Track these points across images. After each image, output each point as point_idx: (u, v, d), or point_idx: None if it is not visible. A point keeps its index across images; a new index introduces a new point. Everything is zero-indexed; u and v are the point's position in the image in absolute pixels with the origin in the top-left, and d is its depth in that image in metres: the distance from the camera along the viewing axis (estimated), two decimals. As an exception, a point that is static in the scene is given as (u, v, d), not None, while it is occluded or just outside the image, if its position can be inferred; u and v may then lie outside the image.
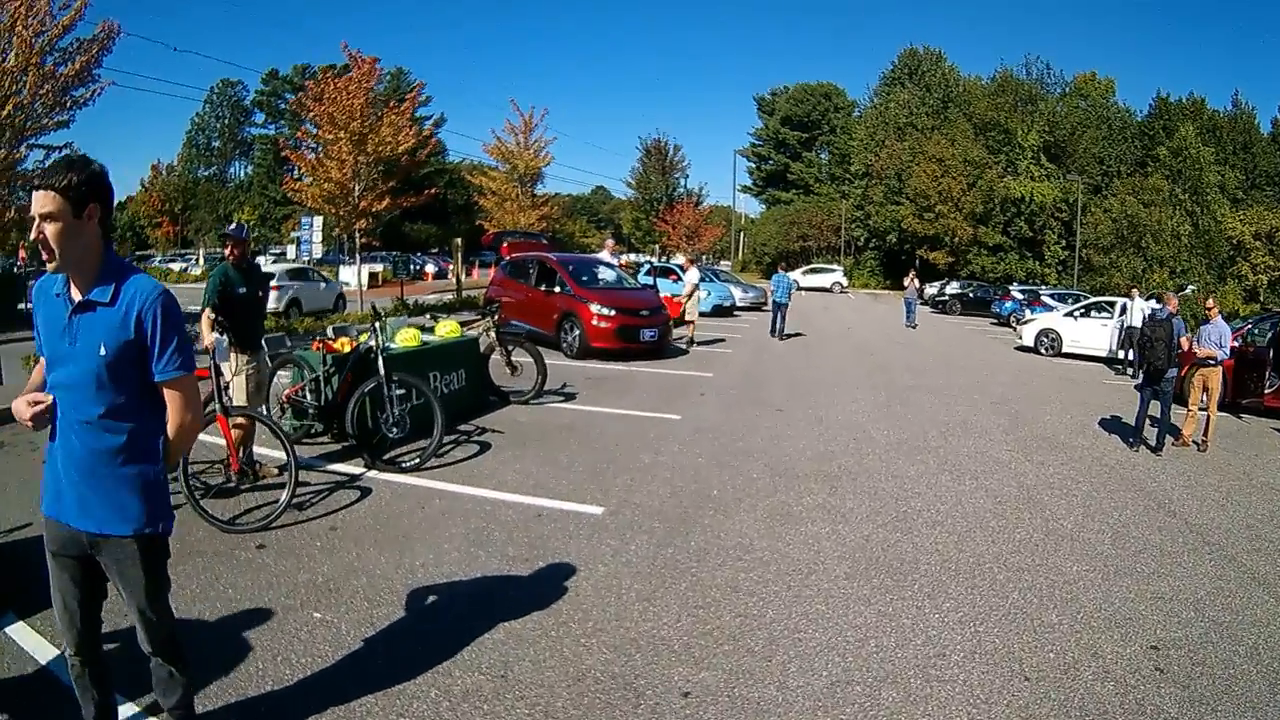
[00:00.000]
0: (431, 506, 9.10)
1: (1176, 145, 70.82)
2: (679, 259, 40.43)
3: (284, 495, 8.55)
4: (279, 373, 12.50)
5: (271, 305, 26.41)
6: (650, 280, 28.37)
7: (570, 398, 15.78)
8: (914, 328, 38.29)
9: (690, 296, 26.03)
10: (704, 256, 78.42)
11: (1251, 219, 61.67)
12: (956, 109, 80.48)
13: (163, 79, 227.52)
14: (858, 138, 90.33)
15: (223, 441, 8.98)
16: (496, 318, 15.45)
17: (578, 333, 21.21)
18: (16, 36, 17.67)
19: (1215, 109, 78.41)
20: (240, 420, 9.50)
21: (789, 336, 30.85)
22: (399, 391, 10.95)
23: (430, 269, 65.39)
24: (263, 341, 11.11)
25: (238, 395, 9.78)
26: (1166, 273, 59.55)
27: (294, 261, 49.91)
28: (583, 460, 11.14)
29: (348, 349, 11.83)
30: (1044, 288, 52.12)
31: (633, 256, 57.70)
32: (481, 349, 14.82)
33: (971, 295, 54.68)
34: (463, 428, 12.97)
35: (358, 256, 32.91)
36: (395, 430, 10.80)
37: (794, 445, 12.52)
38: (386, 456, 10.85)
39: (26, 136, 18.73)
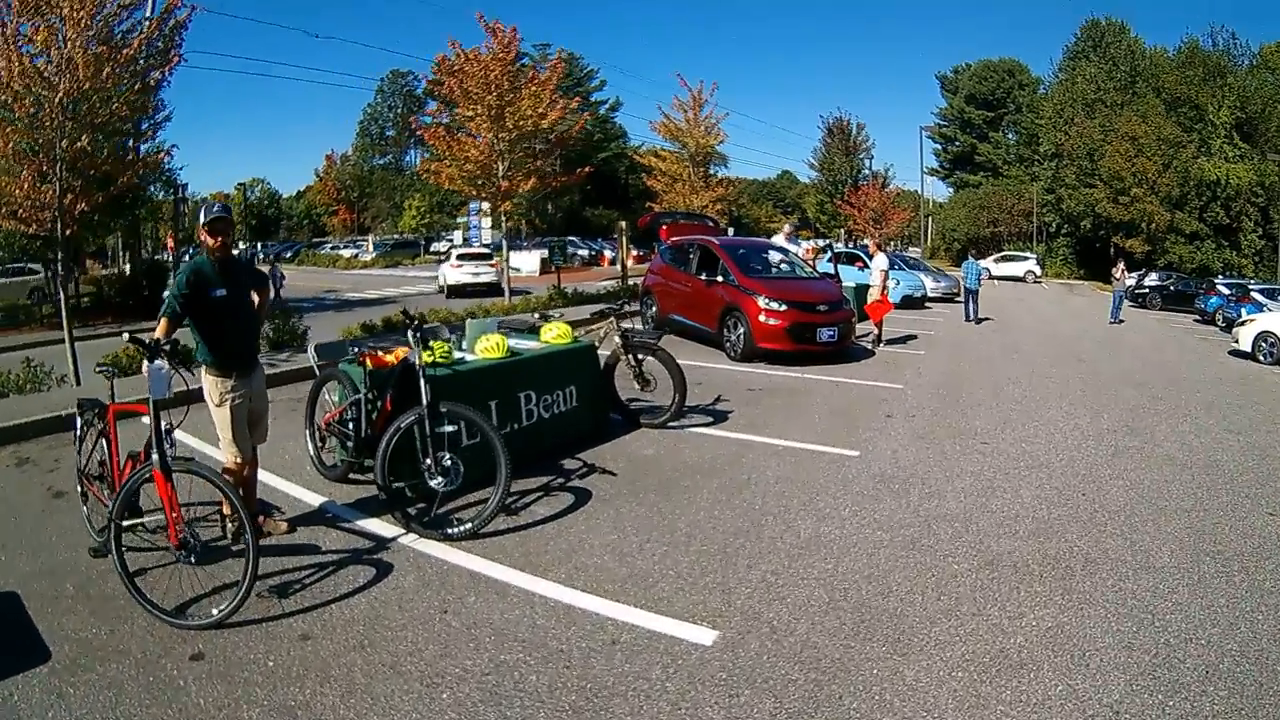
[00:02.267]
0: (461, 609, 6.27)
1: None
2: (866, 243, 36.93)
3: (245, 578, 5.94)
4: (324, 389, 9.94)
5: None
6: (831, 268, 24.73)
7: (719, 419, 12.59)
8: (1119, 323, 34.32)
9: (881, 284, 22.01)
10: (891, 242, 75.04)
11: None
12: (1144, 83, 74.02)
13: (338, 70, 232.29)
14: (1045, 116, 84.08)
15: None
16: (623, 319, 12.29)
17: (742, 330, 17.94)
18: (67, 20, 15.29)
19: None
20: (233, 464, 7.32)
21: (982, 320, 31.33)
22: (448, 428, 7.89)
23: (608, 254, 63.06)
24: (314, 350, 9.81)
25: (221, 432, 7.36)
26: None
27: (460, 246, 49.07)
28: (710, 530, 7.87)
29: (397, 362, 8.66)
30: (1253, 282, 45.62)
31: (818, 241, 54.32)
32: (603, 359, 11.86)
33: (1172, 288, 49.56)
34: (566, 463, 10.06)
35: (503, 241, 30.54)
36: (441, 480, 7.80)
37: (1007, 507, 8.85)
38: (433, 515, 7.97)
39: (97, 123, 16.23)
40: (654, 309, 21.95)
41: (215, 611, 5.97)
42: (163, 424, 6.28)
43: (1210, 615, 6.31)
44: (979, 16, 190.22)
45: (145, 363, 6.45)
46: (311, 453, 9.68)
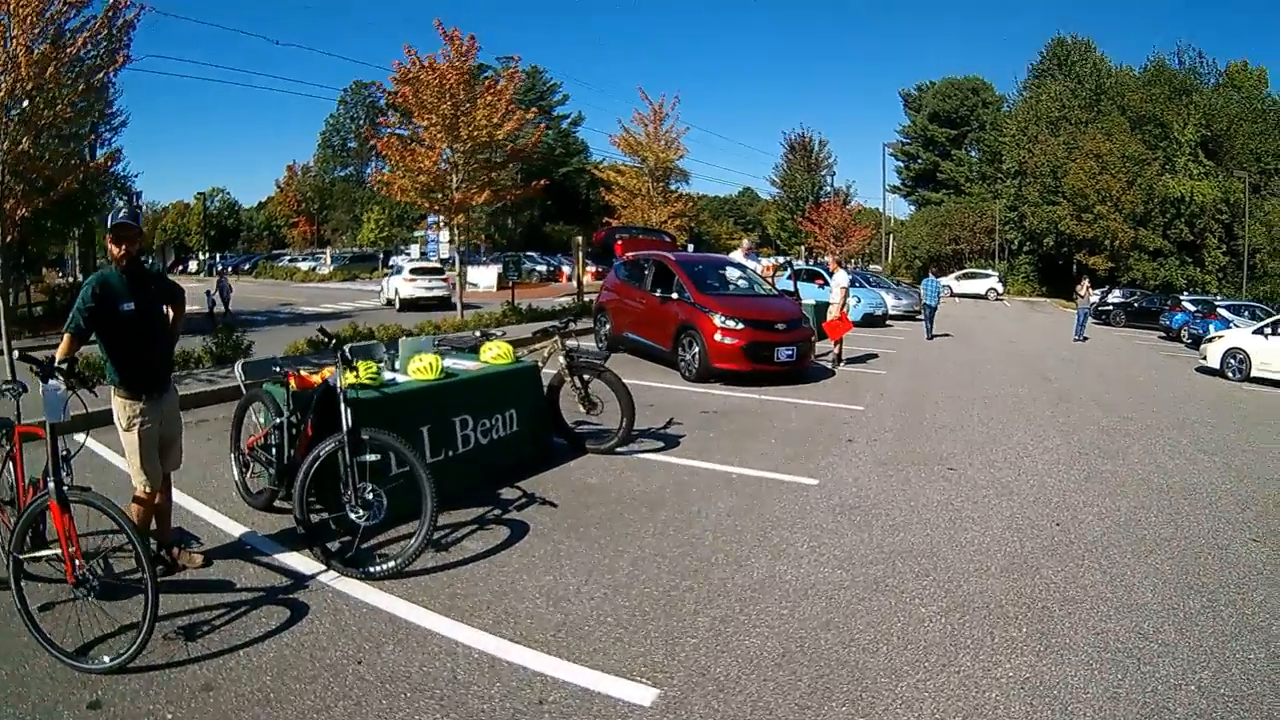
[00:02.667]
0: (377, 660, 5.62)
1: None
2: (826, 260, 36.49)
3: (144, 620, 5.35)
4: (250, 409, 9.14)
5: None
6: (791, 285, 24.17)
7: (670, 444, 11.94)
8: (1083, 341, 33.97)
9: (841, 302, 21.34)
10: (852, 259, 74.65)
11: None
12: (1109, 101, 74.09)
13: (303, 80, 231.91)
14: (1008, 134, 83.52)
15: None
16: (568, 338, 11.65)
17: (697, 350, 17.31)
18: (12, 15, 14.91)
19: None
20: (142, 492, 6.73)
21: (936, 336, 31.62)
22: (370, 457, 7.23)
23: (566, 270, 62.73)
24: (240, 367, 9.34)
25: (130, 458, 6.75)
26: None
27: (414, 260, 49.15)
28: (654, 569, 7.22)
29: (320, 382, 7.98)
30: (1219, 299, 45.88)
31: (777, 258, 53.88)
32: (548, 379, 11.31)
33: (1136, 305, 49.42)
34: (505, 492, 9.41)
35: (456, 255, 30.07)
36: (363, 513, 7.16)
37: (976, 539, 8.23)
38: (355, 550, 7.22)
39: (41, 125, 15.69)
40: (608, 326, 21.35)
41: (111, 657, 5.44)
42: (60, 449, 5.71)
43: (1200, 656, 5.81)
44: (943, 34, 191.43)
45: (40, 383, 5.93)
46: (236, 478, 9.07)
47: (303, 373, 8.37)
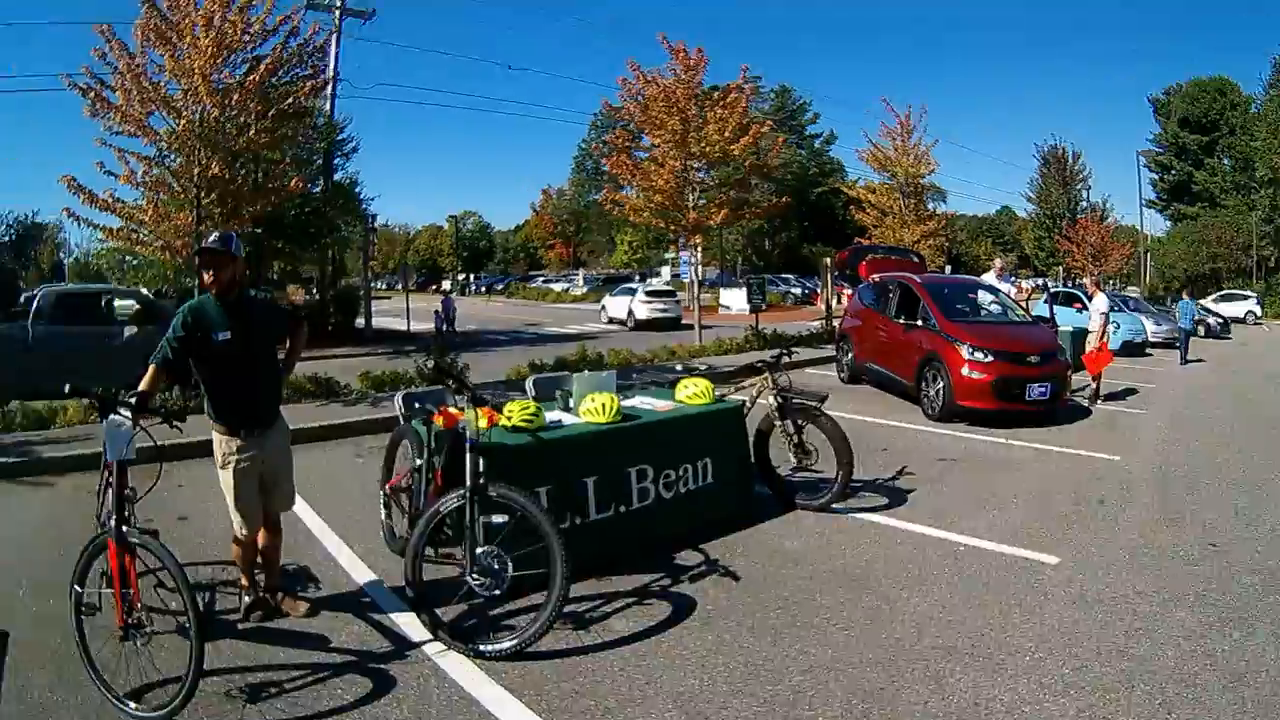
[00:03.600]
0: None
1: None
2: (1085, 283, 34.03)
3: (187, 675, 5.05)
4: (401, 445, 8.40)
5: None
6: (1047, 311, 22.37)
7: (895, 500, 10.55)
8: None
9: (1101, 330, 19.29)
10: (1110, 280, 70.68)
11: None
12: None
13: (555, 106, 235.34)
14: (1260, 137, 76.18)
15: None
16: (779, 374, 10.36)
17: (942, 385, 15.89)
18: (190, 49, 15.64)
19: None
20: (240, 534, 6.45)
21: (1190, 362, 29.79)
22: (498, 518, 6.26)
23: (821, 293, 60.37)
24: (400, 399, 8.69)
25: (227, 497, 6.36)
26: None
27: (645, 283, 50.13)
28: (829, 684, 5.77)
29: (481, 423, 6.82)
30: None
31: (1035, 281, 51.57)
32: (754, 422, 10.10)
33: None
34: (684, 556, 8.35)
35: (693, 275, 29.18)
36: (482, 582, 6.25)
37: (1245, 649, 6.40)
38: (471, 622, 6.58)
39: (234, 150, 16.50)
40: (850, 355, 20.21)
41: (158, 708, 5.13)
42: (127, 489, 5.36)
43: None
44: (1183, 32, 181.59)
45: (101, 419, 5.57)
46: (382, 519, 8.52)
47: (453, 409, 7.37)
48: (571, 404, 8.69)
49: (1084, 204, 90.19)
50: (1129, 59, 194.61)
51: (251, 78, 15.86)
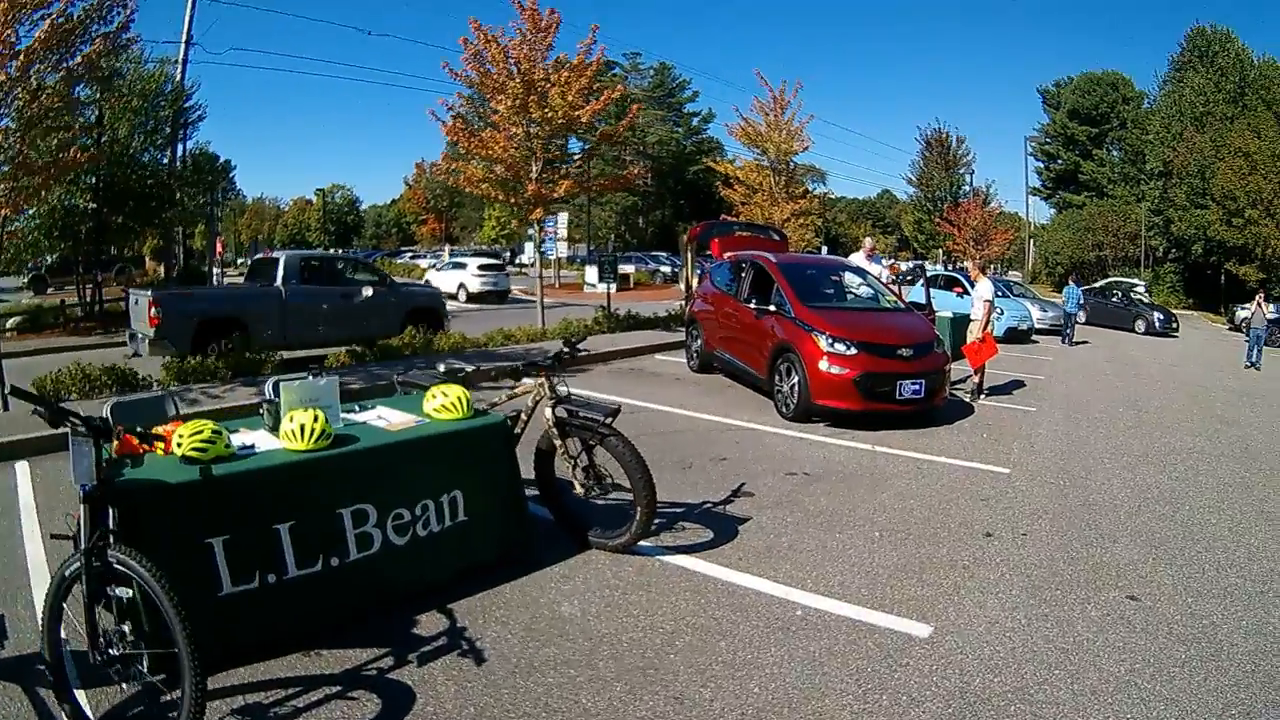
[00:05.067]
0: None
1: None
2: (966, 266, 32.79)
3: None
4: None
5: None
6: (923, 296, 19.96)
7: (723, 534, 8.26)
8: (1258, 369, 28.84)
9: (985, 320, 17.27)
10: (991, 265, 70.29)
11: None
12: (1254, 95, 66.99)
13: (426, 76, 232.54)
14: (1151, 131, 78.76)
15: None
16: (558, 380, 7.77)
17: (796, 380, 13.59)
18: None
19: None
20: None
21: (1077, 344, 32.38)
22: (121, 591, 4.50)
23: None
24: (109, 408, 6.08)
25: None
26: None
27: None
28: None
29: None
30: None
31: (904, 264, 50.92)
32: (524, 438, 7.83)
33: (1294, 323, 43.79)
34: (418, 624, 6.22)
35: (534, 251, 27.14)
36: (113, 669, 4.54)
37: None
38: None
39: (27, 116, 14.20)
40: (699, 341, 17.98)
41: None
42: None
43: None
44: (1078, 25, 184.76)
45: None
46: None
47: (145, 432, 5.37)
48: (281, 421, 6.35)
49: (967, 188, 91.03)
50: (1019, 50, 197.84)
51: (37, 35, 13.62)
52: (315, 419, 5.98)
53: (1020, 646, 6.13)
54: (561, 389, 7.63)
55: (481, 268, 44.52)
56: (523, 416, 7.81)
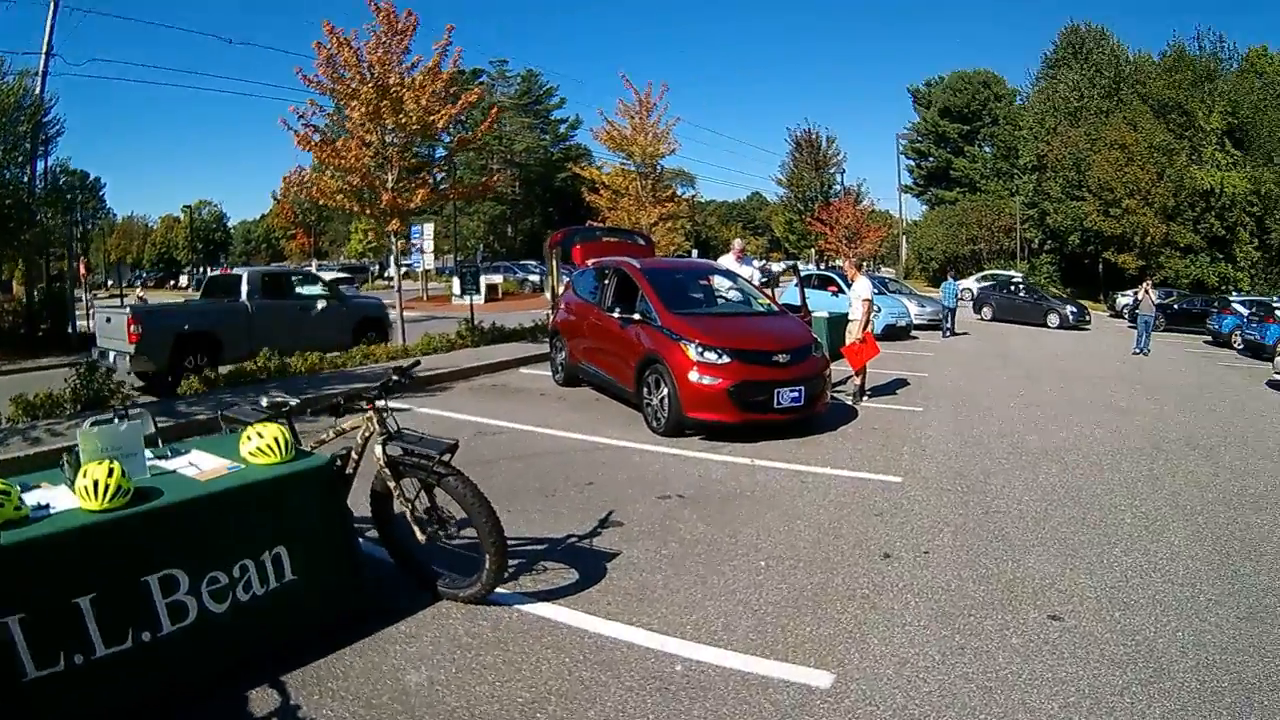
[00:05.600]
0: None
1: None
2: (841, 264, 32.29)
3: None
4: None
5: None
6: (798, 297, 19.00)
7: (589, 574, 7.18)
8: (1146, 355, 29.18)
9: (864, 320, 16.29)
10: (865, 262, 70.73)
11: None
12: (1129, 90, 70.80)
13: (290, 87, 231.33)
14: (1025, 126, 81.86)
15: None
16: (387, 412, 6.64)
17: (666, 392, 12.57)
18: None
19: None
20: None
21: (956, 335, 33.88)
22: None
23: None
24: None
25: None
26: None
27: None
28: None
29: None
30: (1275, 299, 41.76)
31: (771, 265, 50.97)
32: (356, 478, 6.76)
33: (1177, 307, 44.65)
34: (249, 700, 5.27)
35: (394, 263, 26.03)
36: None
37: None
38: None
39: None
40: (564, 353, 16.89)
41: None
42: None
43: None
44: (950, 26, 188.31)
45: None
46: None
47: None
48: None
49: (838, 187, 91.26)
50: (890, 51, 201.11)
51: None
52: (110, 473, 4.93)
53: (937, 689, 5.29)
54: (392, 422, 6.56)
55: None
56: (353, 456, 6.70)
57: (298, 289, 22.54)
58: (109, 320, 18.90)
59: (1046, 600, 6.78)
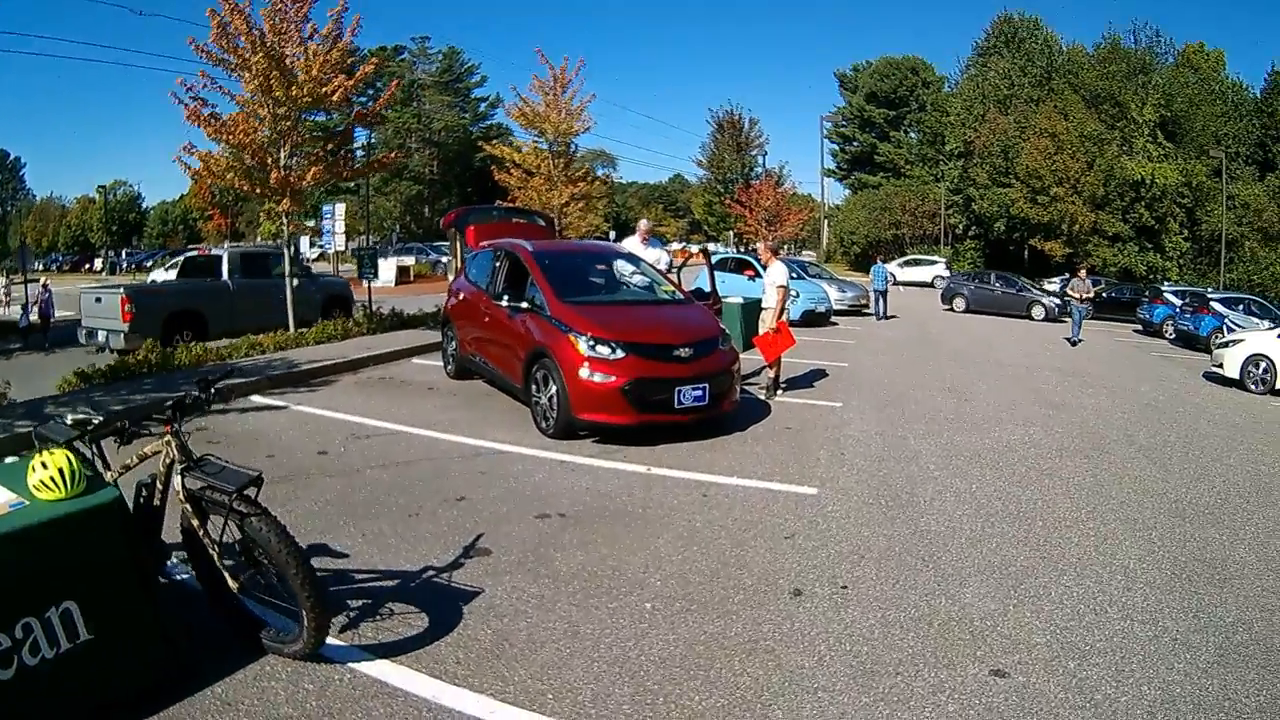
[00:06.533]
0: None
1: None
2: (757, 248, 31.30)
3: None
4: None
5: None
6: (708, 284, 17.58)
7: (439, 626, 5.94)
8: (1077, 344, 28.64)
9: (779, 308, 15.07)
10: (785, 246, 70.12)
11: None
12: (1061, 79, 72.63)
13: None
14: (953, 113, 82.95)
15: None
16: (185, 433, 5.38)
17: (555, 390, 11.33)
18: None
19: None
20: None
21: (888, 318, 35.19)
22: None
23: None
24: None
25: None
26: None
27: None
28: None
29: None
30: (1210, 289, 42.57)
31: (689, 245, 50.12)
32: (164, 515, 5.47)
33: (1106, 296, 44.40)
34: None
35: (284, 243, 24.67)
36: None
37: None
38: None
39: None
40: (455, 343, 15.66)
41: None
42: None
43: None
44: (881, 13, 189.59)
45: None
46: None
47: None
48: None
49: (759, 169, 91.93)
50: (817, 34, 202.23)
51: None
52: None
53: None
54: (195, 446, 5.34)
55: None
56: (158, 486, 5.50)
57: (275, 268, 23.52)
58: (99, 300, 20.70)
59: (988, 649, 5.75)
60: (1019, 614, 6.35)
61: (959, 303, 42.64)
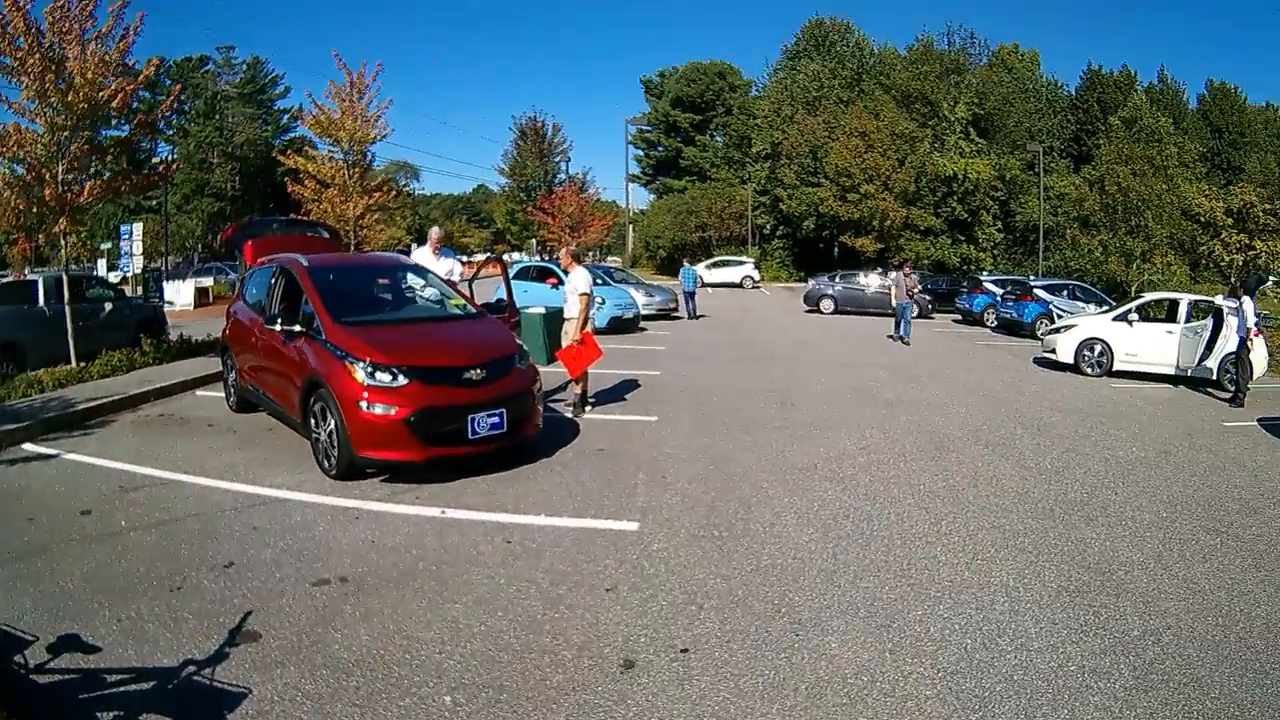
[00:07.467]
0: None
1: (1130, 115, 67.24)
2: (559, 256, 30.30)
3: None
4: None
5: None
6: (504, 293, 16.13)
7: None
8: (907, 343, 27.92)
9: (583, 318, 13.97)
10: (590, 252, 69.88)
11: (1218, 195, 58.59)
12: (872, 80, 76.12)
13: None
14: (760, 115, 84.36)
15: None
16: None
17: (333, 424, 9.97)
18: None
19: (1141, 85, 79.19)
20: None
21: (700, 317, 36.31)
22: None
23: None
24: None
25: None
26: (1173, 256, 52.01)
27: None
28: None
29: None
30: (1033, 277, 45.15)
31: (479, 256, 49.71)
32: None
33: (924, 287, 43.87)
34: None
35: (64, 274, 22.99)
36: None
37: None
38: None
39: None
40: (234, 373, 14.13)
41: None
42: None
43: None
44: (687, 19, 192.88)
45: None
46: None
47: None
48: None
49: (562, 176, 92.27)
50: (622, 41, 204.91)
51: None
52: None
53: None
54: None
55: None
56: None
57: (88, 292, 23.20)
58: None
59: (873, 714, 4.82)
60: (899, 663, 5.43)
61: (826, 304, 42.07)
